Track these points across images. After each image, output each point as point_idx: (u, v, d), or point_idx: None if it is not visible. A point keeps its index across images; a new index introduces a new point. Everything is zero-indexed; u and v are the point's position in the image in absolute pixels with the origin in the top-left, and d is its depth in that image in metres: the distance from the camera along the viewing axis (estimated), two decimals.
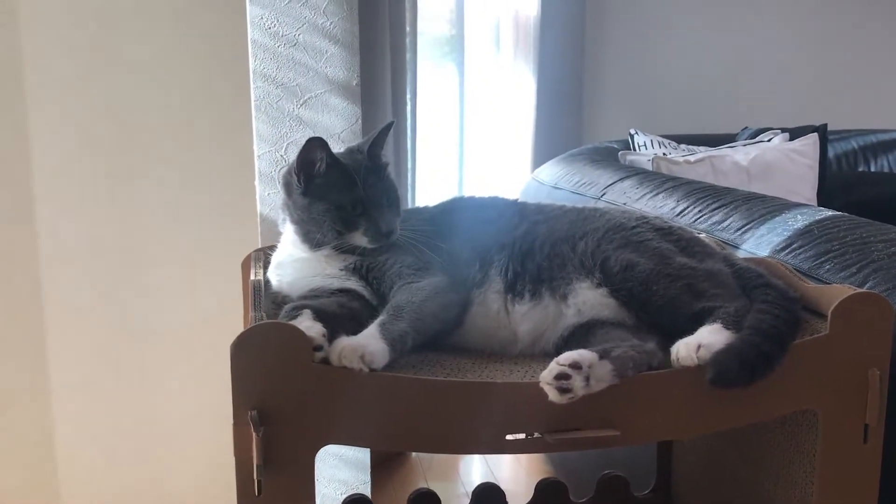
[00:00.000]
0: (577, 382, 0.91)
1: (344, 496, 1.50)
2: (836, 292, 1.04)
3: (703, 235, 1.30)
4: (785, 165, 2.86)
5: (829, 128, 3.15)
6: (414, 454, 2.50)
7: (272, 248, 1.28)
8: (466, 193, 1.32)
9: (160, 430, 1.91)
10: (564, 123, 3.53)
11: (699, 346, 0.97)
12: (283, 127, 1.54)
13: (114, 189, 1.81)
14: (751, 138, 3.23)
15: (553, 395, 0.92)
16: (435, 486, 1.49)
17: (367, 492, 1.70)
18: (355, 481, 1.70)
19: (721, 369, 0.95)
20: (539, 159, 3.25)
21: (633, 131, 3.17)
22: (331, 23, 1.51)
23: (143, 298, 1.85)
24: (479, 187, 3.35)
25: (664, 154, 2.89)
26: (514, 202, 1.29)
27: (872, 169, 3.61)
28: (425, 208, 1.30)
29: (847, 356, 1.00)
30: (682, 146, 3.15)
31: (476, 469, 2.47)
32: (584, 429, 0.96)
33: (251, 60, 1.52)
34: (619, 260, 1.10)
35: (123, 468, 1.91)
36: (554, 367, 0.92)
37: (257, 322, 0.96)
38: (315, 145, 1.13)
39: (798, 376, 1.00)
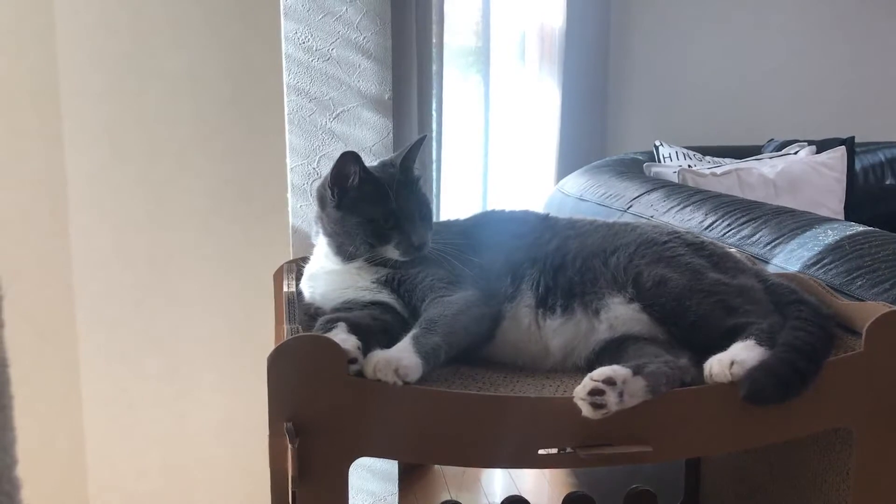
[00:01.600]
0: (611, 398, 0.92)
1: None
2: (870, 309, 1.03)
3: (732, 250, 1.30)
4: (812, 178, 2.84)
5: (857, 140, 3.13)
6: (437, 466, 2.50)
7: (304, 259, 1.29)
8: (491, 205, 1.33)
9: (189, 439, 1.92)
10: (589, 135, 3.53)
11: (732, 363, 0.97)
12: (316, 140, 1.56)
13: (146, 199, 1.84)
14: (776, 150, 3.22)
15: (587, 411, 0.92)
16: (458, 498, 1.50)
17: (395, 503, 1.70)
18: (383, 492, 1.70)
19: (755, 386, 0.95)
20: (563, 170, 3.25)
21: (657, 143, 3.17)
22: (364, 37, 1.53)
23: (174, 308, 1.87)
24: (504, 199, 3.36)
25: (689, 166, 2.89)
26: (546, 216, 1.30)
27: None
28: (456, 221, 1.31)
29: (882, 374, 1.00)
30: (707, 158, 3.14)
31: (499, 480, 2.47)
32: (616, 444, 0.96)
33: (285, 74, 1.54)
34: (651, 275, 1.10)
35: (153, 477, 1.93)
36: (588, 382, 0.93)
37: (293, 334, 0.97)
38: (349, 159, 1.15)
39: (832, 394, 0.99)
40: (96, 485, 1.91)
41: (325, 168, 1.19)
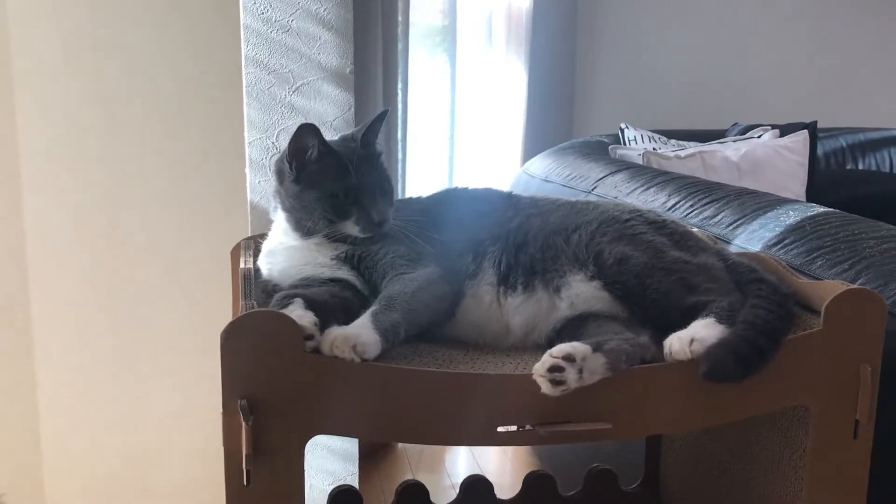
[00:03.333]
0: (571, 375, 0.91)
1: (331, 487, 1.49)
2: (829, 288, 1.04)
3: (695, 230, 1.30)
4: (775, 162, 2.87)
5: (819, 126, 3.16)
6: (400, 446, 2.49)
7: (262, 236, 1.27)
8: (458, 185, 1.31)
9: (147, 421, 1.89)
10: (555, 117, 3.53)
11: (692, 340, 0.97)
12: (275, 114, 1.52)
13: (102, 177, 1.79)
14: (741, 134, 3.24)
15: (546, 388, 0.91)
16: (421, 479, 1.49)
17: (355, 483, 1.69)
18: (343, 472, 1.69)
19: (715, 363, 0.95)
20: (530, 152, 3.24)
21: (623, 126, 3.17)
22: (324, 9, 1.49)
23: (131, 288, 1.83)
24: (470, 179, 3.34)
25: (654, 149, 2.89)
26: (508, 194, 1.28)
27: (860, 167, 3.62)
28: (419, 199, 1.29)
29: (839, 352, 1.00)
30: (672, 141, 3.15)
31: (462, 462, 2.47)
32: (576, 421, 0.95)
33: (243, 46, 1.50)
34: (612, 253, 1.09)
35: (110, 460, 1.89)
36: (547, 359, 0.92)
37: (248, 310, 0.95)
38: (307, 132, 1.12)
39: (791, 372, 1.00)
40: (52, 469, 1.87)
41: (285, 143, 1.16)
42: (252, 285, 1.16)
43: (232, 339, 0.89)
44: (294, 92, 1.52)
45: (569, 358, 0.91)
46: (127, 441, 1.89)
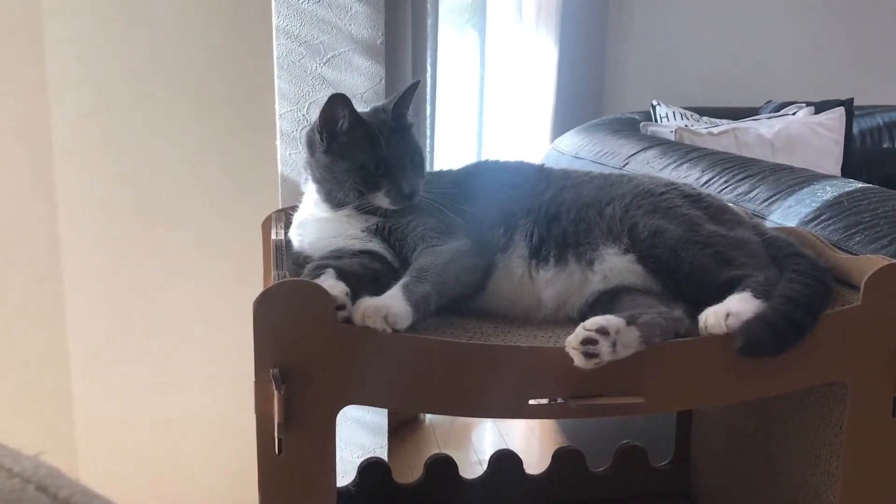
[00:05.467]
0: (604, 348, 0.90)
1: (361, 459, 1.50)
2: (868, 263, 1.01)
3: (730, 205, 1.27)
4: (810, 139, 2.82)
5: (855, 103, 3.10)
6: (427, 421, 2.50)
7: (293, 208, 1.27)
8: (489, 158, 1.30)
9: (177, 390, 1.91)
10: (585, 93, 3.49)
11: (728, 315, 0.95)
12: (306, 86, 1.52)
13: (132, 148, 1.79)
14: (774, 111, 3.18)
15: (579, 360, 0.90)
16: (448, 452, 1.49)
17: (384, 456, 1.70)
18: (372, 445, 1.70)
19: (751, 338, 0.93)
20: (559, 129, 3.21)
21: (654, 102, 3.13)
22: None
23: (162, 258, 1.85)
24: (499, 156, 3.32)
25: (686, 126, 2.85)
26: (540, 167, 1.27)
27: None
28: (449, 171, 1.28)
29: (879, 327, 0.98)
30: (705, 119, 3.11)
31: (488, 437, 2.47)
32: (607, 395, 0.94)
33: (274, 17, 1.49)
34: (647, 226, 1.08)
35: (140, 427, 1.92)
36: (580, 331, 0.91)
37: (280, 280, 0.95)
38: (338, 102, 1.11)
39: (829, 347, 0.98)
40: (83, 436, 1.90)
41: (315, 115, 1.16)
42: (283, 256, 1.16)
43: (264, 307, 0.89)
44: (325, 64, 1.51)
45: (602, 331, 0.90)
46: (157, 408, 1.91)
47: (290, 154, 1.56)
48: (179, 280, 1.85)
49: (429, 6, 2.63)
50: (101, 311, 1.86)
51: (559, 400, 0.95)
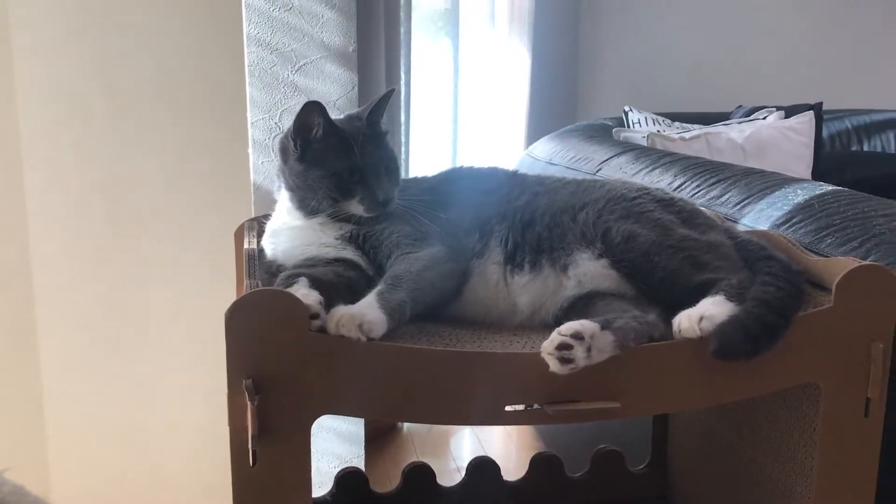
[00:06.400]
0: (579, 353, 0.90)
1: (337, 469, 1.48)
2: (840, 265, 1.02)
3: (703, 209, 1.28)
4: (780, 143, 2.85)
5: (824, 107, 3.14)
6: (405, 429, 2.49)
7: (266, 216, 1.26)
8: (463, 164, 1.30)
9: (152, 402, 1.89)
10: (559, 100, 3.50)
11: (702, 318, 0.95)
12: (278, 93, 1.51)
13: (104, 156, 1.77)
14: (745, 116, 3.22)
15: (554, 366, 0.90)
16: (426, 460, 1.48)
17: (361, 465, 1.69)
18: (349, 455, 1.69)
19: (725, 341, 0.94)
20: (533, 135, 3.22)
21: (627, 108, 3.15)
22: None
23: (134, 268, 1.83)
24: (473, 162, 3.32)
25: (658, 131, 2.87)
26: (514, 173, 1.27)
27: (866, 149, 3.60)
28: (424, 178, 1.28)
29: (851, 329, 0.99)
30: (676, 124, 3.13)
31: (467, 444, 2.47)
32: (584, 400, 0.94)
33: (245, 25, 1.48)
34: (620, 231, 1.08)
35: (114, 440, 1.89)
36: (556, 337, 0.91)
37: (252, 289, 0.94)
38: (313, 109, 1.11)
39: (802, 349, 0.99)
40: (55, 449, 1.87)
41: (288, 122, 1.15)
42: (256, 265, 1.15)
43: (236, 317, 0.88)
44: (297, 71, 1.50)
45: (577, 336, 0.90)
46: (131, 421, 1.89)
47: (262, 162, 1.55)
48: (152, 290, 1.83)
49: (402, 14, 2.63)
50: (73, 321, 1.84)
51: (536, 406, 0.95)
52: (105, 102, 1.75)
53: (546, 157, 2.63)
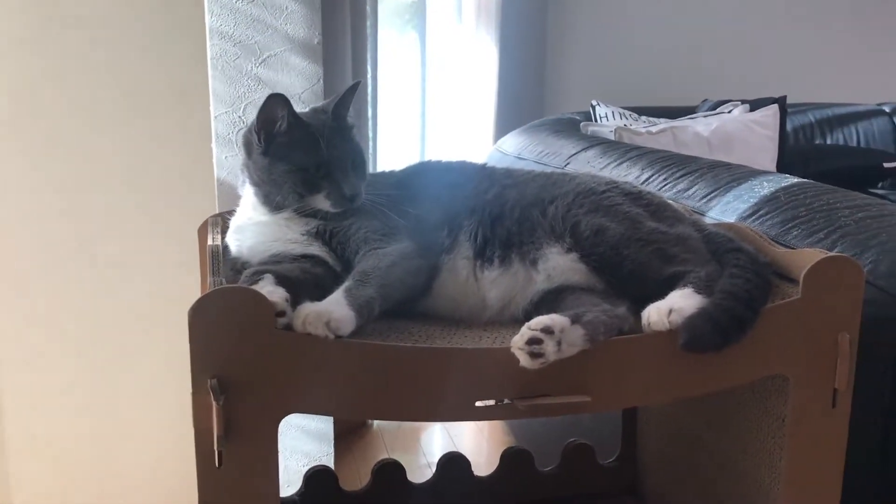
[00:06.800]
0: (549, 347, 0.89)
1: (306, 468, 1.47)
2: (807, 256, 1.03)
3: (671, 202, 1.28)
4: (745, 136, 2.88)
5: (787, 101, 3.18)
6: (375, 426, 2.47)
7: (231, 212, 1.23)
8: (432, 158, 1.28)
9: (114, 404, 1.85)
10: (526, 94, 3.50)
11: (671, 311, 0.95)
12: (242, 87, 1.48)
13: (61, 152, 1.73)
14: (711, 110, 3.24)
15: (525, 360, 0.89)
16: (397, 458, 1.47)
17: (331, 463, 1.67)
18: (318, 453, 1.67)
19: (694, 333, 0.94)
20: (502, 129, 3.22)
21: (594, 102, 3.16)
22: None
23: (95, 268, 1.79)
24: (442, 156, 3.31)
25: (625, 125, 2.89)
26: (483, 167, 1.26)
27: (829, 142, 3.65)
28: (391, 172, 1.26)
29: (818, 320, 1.00)
30: (643, 118, 3.15)
31: (437, 440, 2.46)
32: (554, 395, 0.94)
33: (207, 17, 1.45)
34: (589, 224, 1.07)
35: (76, 443, 1.85)
36: (525, 331, 0.90)
37: (216, 287, 0.92)
38: (276, 102, 1.08)
39: (770, 341, 0.99)
40: (15, 454, 1.83)
41: (252, 116, 1.13)
42: (220, 262, 1.13)
43: (200, 316, 0.86)
44: (261, 64, 1.48)
45: (547, 330, 0.90)
46: (94, 423, 1.85)
47: (226, 157, 1.52)
48: (114, 288, 1.79)
49: (368, 7, 2.61)
50: (31, 322, 1.79)
51: (506, 401, 0.94)
52: (62, 97, 1.71)
53: (515, 151, 2.63)
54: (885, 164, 3.29)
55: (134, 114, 1.72)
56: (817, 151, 3.47)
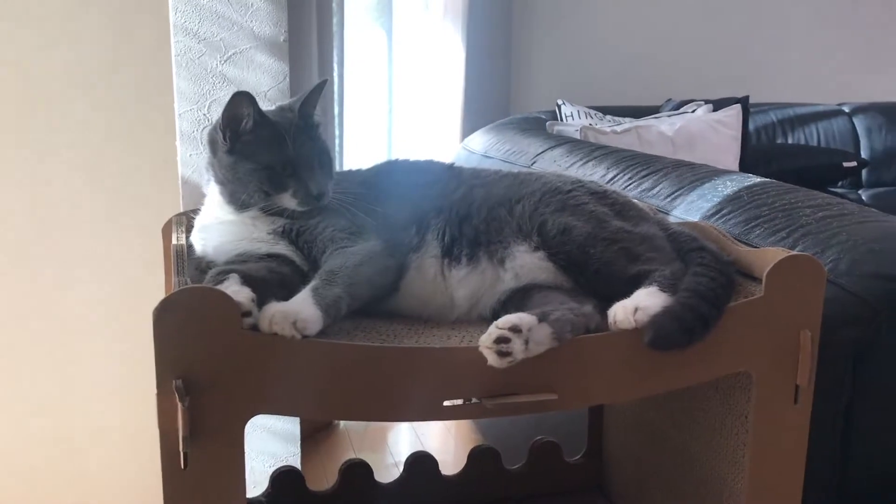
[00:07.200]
0: (517, 346, 0.90)
1: (273, 468, 1.46)
2: (769, 255, 1.04)
3: (635, 201, 1.29)
4: (709, 136, 2.91)
5: (750, 101, 3.22)
6: (342, 426, 2.46)
7: (195, 211, 1.22)
8: (399, 157, 1.28)
9: (78, 405, 1.82)
10: (493, 93, 3.51)
11: (636, 309, 0.96)
12: (206, 84, 1.46)
13: (23, 151, 1.70)
14: (675, 109, 3.28)
15: (492, 359, 0.90)
16: (364, 458, 1.47)
17: (297, 464, 1.66)
18: (284, 453, 1.66)
19: (659, 331, 0.95)
20: (468, 128, 3.22)
21: (560, 102, 3.18)
22: None
23: (57, 267, 1.76)
24: (409, 155, 3.30)
25: (591, 125, 2.91)
26: (451, 166, 1.26)
27: (790, 141, 3.71)
28: (359, 171, 1.26)
29: (780, 318, 1.01)
30: (608, 117, 3.17)
31: (405, 439, 2.46)
32: (521, 393, 0.94)
33: (171, 13, 1.43)
34: (556, 223, 1.08)
35: (39, 445, 1.82)
36: (493, 330, 0.90)
37: (181, 287, 0.91)
38: (242, 100, 1.07)
39: (733, 338, 1.00)
40: None
41: (217, 114, 1.12)
42: (185, 262, 1.11)
43: (164, 316, 0.85)
44: (226, 61, 1.46)
45: (515, 329, 0.90)
46: (57, 426, 1.82)
47: (190, 155, 1.50)
48: (76, 288, 1.77)
49: (334, 4, 2.60)
50: None
51: (474, 400, 0.94)
52: (23, 95, 1.68)
53: (482, 149, 2.64)
54: (845, 164, 3.36)
55: (97, 111, 1.70)
56: (779, 151, 3.52)
